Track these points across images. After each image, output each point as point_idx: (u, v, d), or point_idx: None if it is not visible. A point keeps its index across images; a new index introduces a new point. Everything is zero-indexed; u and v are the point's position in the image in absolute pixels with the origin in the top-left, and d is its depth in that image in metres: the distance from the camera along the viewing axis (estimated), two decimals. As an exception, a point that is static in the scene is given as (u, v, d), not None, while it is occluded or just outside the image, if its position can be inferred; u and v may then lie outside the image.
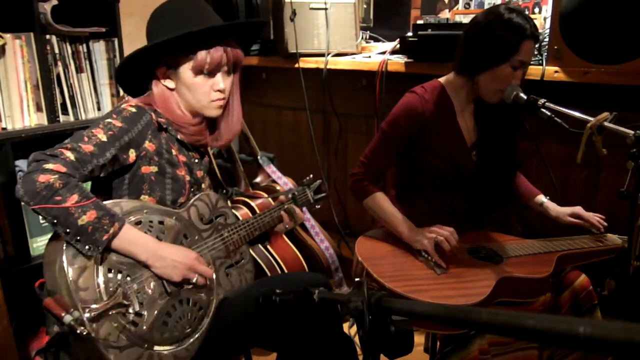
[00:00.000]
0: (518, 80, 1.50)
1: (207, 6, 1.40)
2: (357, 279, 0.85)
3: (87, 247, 1.15)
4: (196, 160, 1.46)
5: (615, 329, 0.40)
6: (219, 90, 1.36)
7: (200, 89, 1.35)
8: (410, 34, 2.19)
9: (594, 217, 1.65)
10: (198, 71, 1.33)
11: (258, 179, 2.47)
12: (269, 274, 2.07)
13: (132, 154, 1.29)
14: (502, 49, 1.46)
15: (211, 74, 1.35)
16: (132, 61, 1.33)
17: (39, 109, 1.89)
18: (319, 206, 1.80)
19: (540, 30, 2.14)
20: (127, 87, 1.44)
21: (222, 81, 1.36)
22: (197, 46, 1.31)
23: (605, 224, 1.64)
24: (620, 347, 0.40)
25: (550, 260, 1.49)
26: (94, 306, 1.14)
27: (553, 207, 1.71)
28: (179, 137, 1.40)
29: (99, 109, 2.07)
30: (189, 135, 1.41)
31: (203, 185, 1.49)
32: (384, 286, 1.38)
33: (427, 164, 1.62)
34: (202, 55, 1.31)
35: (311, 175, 1.77)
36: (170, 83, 1.38)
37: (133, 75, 1.39)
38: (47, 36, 1.86)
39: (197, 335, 1.31)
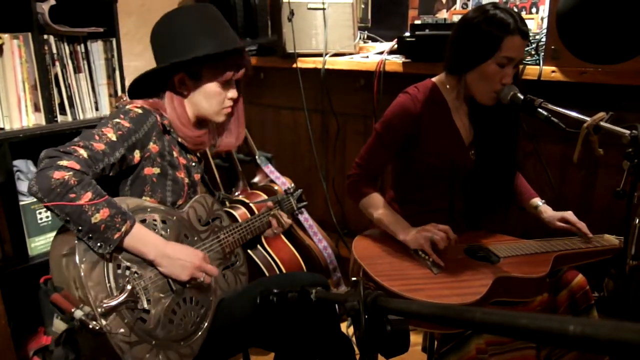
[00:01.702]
0: (509, 79, 1.49)
1: (220, 15, 1.43)
2: (353, 278, 0.86)
3: (98, 244, 1.16)
4: (193, 164, 1.48)
5: (605, 327, 0.41)
6: (231, 99, 1.42)
7: (218, 97, 1.40)
8: (407, 34, 2.20)
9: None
10: (224, 83, 1.39)
11: (256, 179, 2.47)
12: (267, 273, 2.07)
13: (137, 155, 1.30)
14: (485, 45, 1.45)
15: (231, 84, 1.41)
16: (159, 71, 1.35)
17: (36, 109, 1.89)
18: (301, 214, 1.95)
19: (537, 31, 2.16)
20: (134, 90, 1.44)
21: (235, 90, 1.43)
22: (227, 59, 1.36)
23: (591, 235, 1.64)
24: (611, 345, 0.40)
25: (547, 261, 1.50)
26: (106, 301, 1.15)
27: (546, 211, 1.71)
28: (179, 140, 1.42)
29: (96, 109, 2.07)
30: (191, 143, 1.44)
31: (198, 188, 1.50)
32: (380, 285, 1.38)
33: (425, 163, 1.62)
34: (233, 69, 1.38)
35: (293, 185, 1.88)
36: (184, 90, 1.40)
37: (145, 79, 1.39)
38: (45, 36, 1.86)
39: (199, 334, 1.33)
